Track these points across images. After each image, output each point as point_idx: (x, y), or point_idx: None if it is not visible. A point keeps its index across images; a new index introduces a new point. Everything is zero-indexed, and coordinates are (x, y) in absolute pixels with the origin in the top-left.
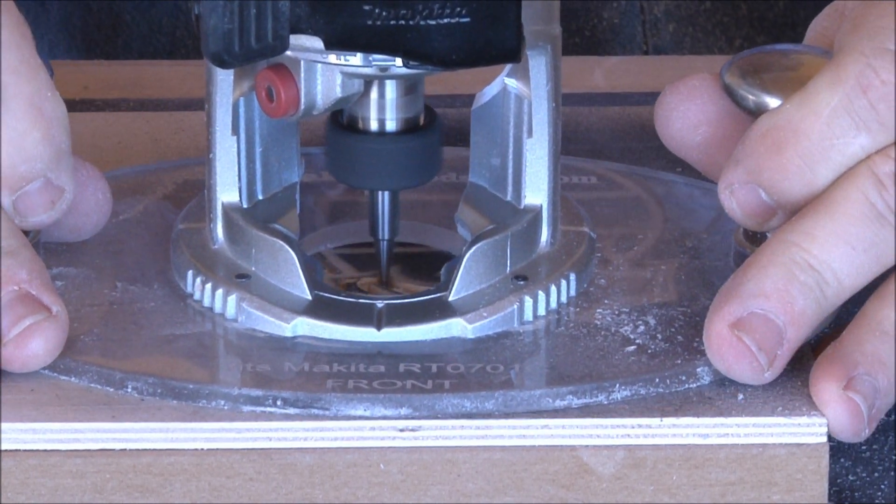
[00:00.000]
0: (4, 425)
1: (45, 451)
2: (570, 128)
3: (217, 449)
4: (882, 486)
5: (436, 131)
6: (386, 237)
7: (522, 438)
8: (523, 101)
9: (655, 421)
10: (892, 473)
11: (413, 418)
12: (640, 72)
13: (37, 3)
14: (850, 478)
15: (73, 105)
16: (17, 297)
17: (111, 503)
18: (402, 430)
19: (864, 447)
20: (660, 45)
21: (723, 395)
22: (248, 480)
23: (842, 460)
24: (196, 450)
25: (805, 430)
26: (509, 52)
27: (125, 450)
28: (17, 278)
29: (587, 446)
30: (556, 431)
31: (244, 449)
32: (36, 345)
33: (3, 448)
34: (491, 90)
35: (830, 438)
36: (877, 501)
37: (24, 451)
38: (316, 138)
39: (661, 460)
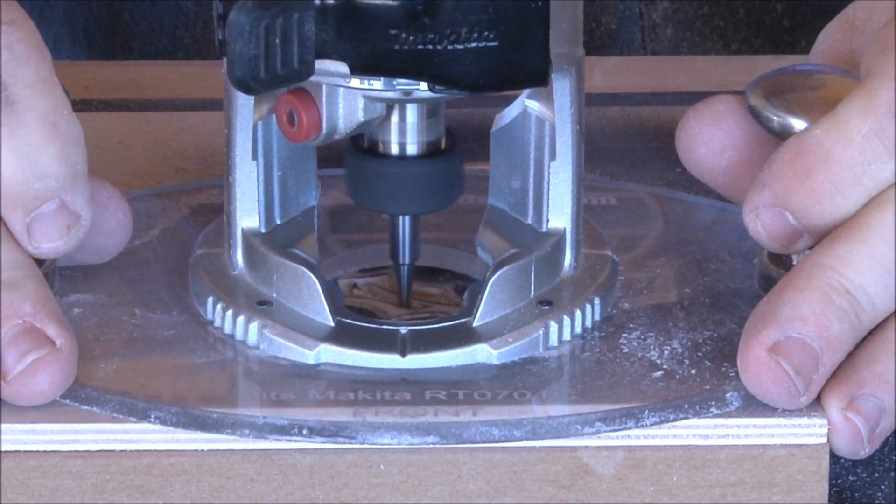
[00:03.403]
0: (4, 426)
1: (45, 451)
2: None
3: (217, 450)
4: (882, 487)
5: (457, 155)
6: (406, 262)
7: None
8: (544, 123)
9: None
10: (892, 474)
11: (441, 446)
12: (639, 72)
13: (41, 1)
14: (851, 478)
15: (73, 105)
16: (21, 331)
17: None
18: None
19: None
20: (658, 50)
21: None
22: (249, 481)
23: (842, 461)
24: (196, 451)
25: (805, 431)
26: (537, 75)
27: (125, 451)
28: (21, 312)
29: (587, 447)
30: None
31: (244, 449)
32: (41, 380)
33: (4, 449)
34: (511, 112)
35: None
36: (877, 502)
37: (24, 451)
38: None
39: (662, 461)
